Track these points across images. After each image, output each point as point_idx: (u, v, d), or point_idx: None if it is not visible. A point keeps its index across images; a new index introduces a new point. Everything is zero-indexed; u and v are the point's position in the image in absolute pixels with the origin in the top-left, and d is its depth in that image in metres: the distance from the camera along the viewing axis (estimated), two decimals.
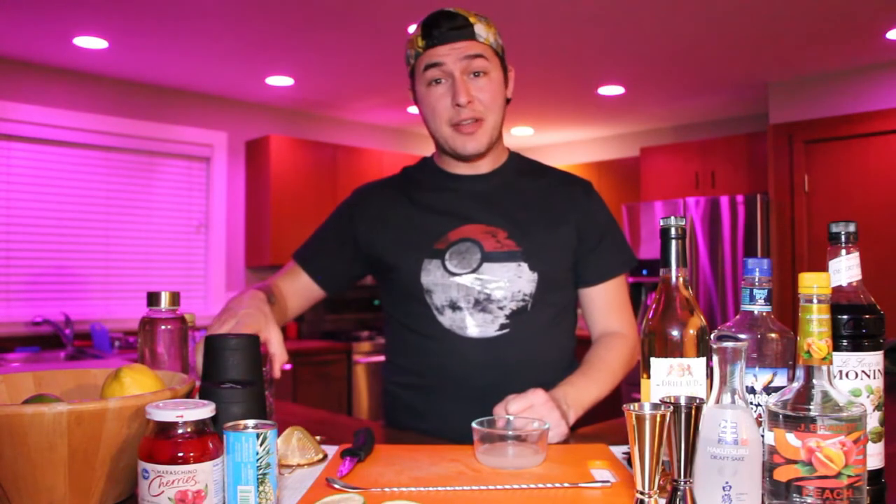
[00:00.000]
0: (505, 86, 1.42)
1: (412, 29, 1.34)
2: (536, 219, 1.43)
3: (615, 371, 1.39)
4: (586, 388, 1.32)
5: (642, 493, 0.75)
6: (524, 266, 1.38)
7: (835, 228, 0.91)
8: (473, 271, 1.37)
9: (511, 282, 1.37)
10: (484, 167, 1.46)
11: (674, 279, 0.92)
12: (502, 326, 1.37)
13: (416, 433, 1.36)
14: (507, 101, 1.48)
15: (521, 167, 1.51)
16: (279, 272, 1.58)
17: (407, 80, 1.47)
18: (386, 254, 1.45)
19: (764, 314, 0.90)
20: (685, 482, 0.76)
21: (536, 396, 1.18)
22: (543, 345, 1.41)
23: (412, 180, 1.52)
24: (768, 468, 0.79)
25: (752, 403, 0.88)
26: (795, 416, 0.76)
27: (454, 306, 1.37)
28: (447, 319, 1.37)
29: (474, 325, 1.36)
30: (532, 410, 1.16)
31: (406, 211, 1.46)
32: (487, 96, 1.36)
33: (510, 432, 1.07)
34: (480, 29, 1.36)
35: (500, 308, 1.37)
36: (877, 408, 0.88)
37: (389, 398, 1.51)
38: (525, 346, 1.38)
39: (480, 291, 1.36)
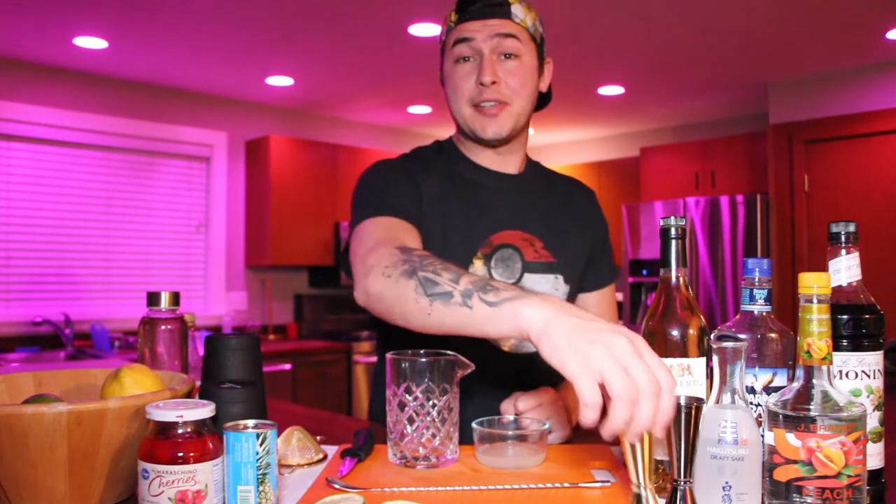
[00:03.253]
0: (539, 75, 1.33)
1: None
2: (565, 227, 1.39)
3: None
4: None
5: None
6: (560, 279, 1.34)
7: (835, 228, 0.91)
8: (517, 281, 1.31)
9: (549, 294, 1.31)
10: (511, 166, 1.38)
11: (674, 279, 0.92)
12: None
13: None
14: (547, 100, 1.41)
15: (539, 173, 1.47)
16: (391, 234, 1.13)
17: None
18: (432, 241, 1.28)
19: (764, 314, 0.90)
20: (685, 482, 0.76)
21: (546, 395, 1.16)
22: None
23: (438, 166, 1.36)
24: (768, 468, 0.79)
25: (752, 403, 0.88)
26: (795, 416, 0.76)
27: None
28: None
29: (516, 341, 1.31)
30: (540, 409, 1.14)
31: (449, 199, 1.31)
32: (516, 80, 1.27)
33: (510, 432, 1.07)
34: (518, 9, 1.28)
35: None
36: (877, 408, 0.88)
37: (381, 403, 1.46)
38: None
39: None
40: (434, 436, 1.01)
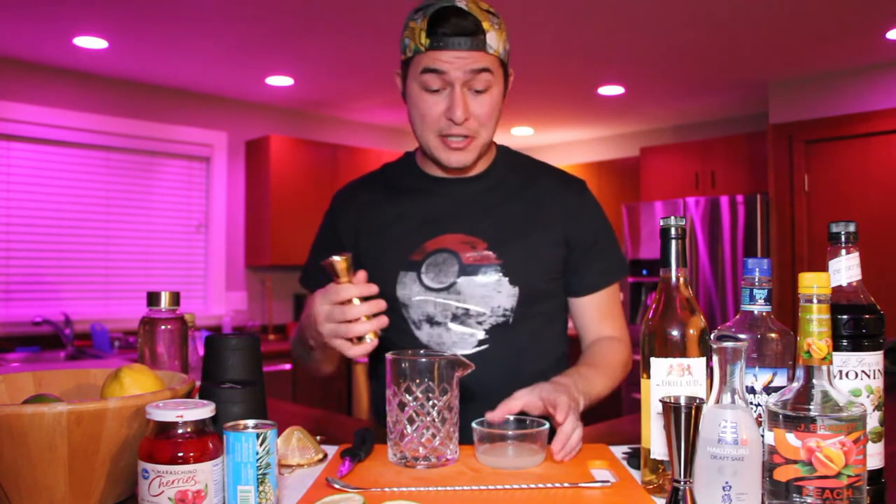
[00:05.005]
0: (504, 96, 1.32)
1: (415, 21, 1.25)
2: (521, 227, 1.34)
3: (616, 371, 1.32)
4: (594, 379, 1.23)
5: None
6: (504, 280, 1.29)
7: (835, 228, 0.91)
8: (451, 286, 1.30)
9: (490, 297, 1.29)
10: (468, 171, 1.37)
11: (674, 279, 0.92)
12: (480, 342, 1.30)
13: None
14: None
15: (510, 165, 1.41)
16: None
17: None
18: (361, 263, 1.34)
19: (764, 314, 0.90)
20: (685, 482, 0.76)
21: (542, 387, 1.10)
22: (527, 358, 1.34)
23: (392, 182, 1.43)
24: (768, 468, 0.79)
25: (751, 403, 0.88)
26: (795, 416, 0.76)
27: (431, 321, 1.31)
28: (425, 334, 1.31)
29: (451, 342, 1.30)
30: (542, 395, 1.07)
31: (383, 217, 1.38)
32: (485, 112, 1.25)
33: (510, 432, 1.07)
34: (492, 38, 1.22)
35: (479, 323, 1.30)
36: (877, 408, 0.88)
37: (374, 410, 1.46)
38: (506, 361, 1.31)
39: (458, 307, 1.29)
40: (434, 436, 1.01)
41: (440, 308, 1.30)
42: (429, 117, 1.26)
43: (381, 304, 1.09)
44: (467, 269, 1.30)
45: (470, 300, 1.30)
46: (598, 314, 1.40)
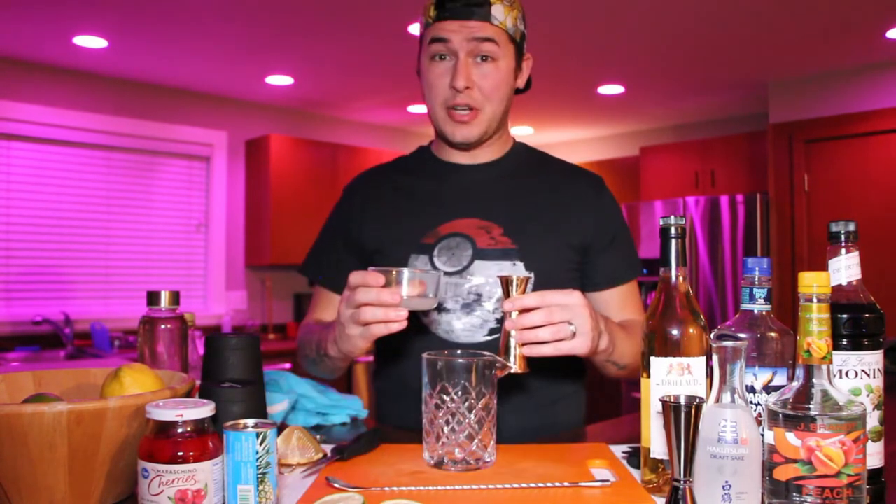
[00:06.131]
0: (515, 75, 1.33)
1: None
2: (537, 214, 1.33)
3: (638, 344, 1.26)
4: (618, 331, 1.17)
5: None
6: (519, 266, 1.28)
7: (834, 227, 0.91)
8: (464, 270, 1.28)
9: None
10: (483, 156, 1.38)
11: (673, 278, 0.92)
12: (492, 332, 1.27)
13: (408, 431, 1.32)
14: (525, 89, 1.40)
15: (526, 158, 1.42)
16: (312, 308, 1.47)
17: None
18: (369, 246, 1.36)
19: (764, 313, 0.90)
20: (685, 482, 0.76)
21: (575, 297, 1.04)
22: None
23: (405, 168, 1.44)
24: (768, 467, 0.79)
25: (751, 402, 0.88)
26: (795, 416, 0.76)
27: (441, 307, 1.28)
28: (433, 322, 1.29)
29: (461, 330, 1.28)
30: (567, 310, 1.02)
31: (394, 200, 1.38)
32: (490, 84, 1.27)
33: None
34: (498, 10, 1.25)
35: (492, 311, 1.28)
36: (876, 407, 0.88)
37: (377, 403, 1.45)
38: None
39: (470, 293, 1.28)
40: (471, 438, 0.99)
41: (451, 293, 1.28)
42: (436, 88, 1.28)
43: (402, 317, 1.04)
44: (482, 254, 1.29)
45: (483, 285, 1.28)
46: (619, 304, 1.37)
